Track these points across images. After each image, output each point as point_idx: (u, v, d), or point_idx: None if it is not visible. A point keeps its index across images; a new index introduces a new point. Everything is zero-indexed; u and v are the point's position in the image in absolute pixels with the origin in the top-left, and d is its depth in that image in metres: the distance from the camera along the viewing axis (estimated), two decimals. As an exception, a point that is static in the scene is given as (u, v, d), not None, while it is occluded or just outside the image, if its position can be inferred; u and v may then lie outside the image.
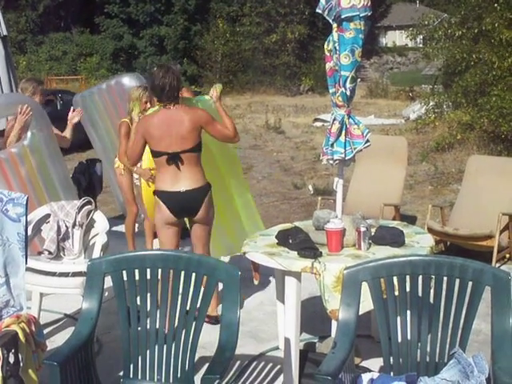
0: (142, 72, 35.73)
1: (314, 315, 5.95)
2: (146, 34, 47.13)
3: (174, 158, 5.33)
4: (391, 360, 3.74)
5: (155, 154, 5.44)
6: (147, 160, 6.18)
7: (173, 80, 5.33)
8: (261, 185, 12.85)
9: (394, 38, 58.02)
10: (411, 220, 9.22)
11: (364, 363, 5.12)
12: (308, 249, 4.76)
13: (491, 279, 3.56)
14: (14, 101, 6.93)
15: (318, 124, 20.62)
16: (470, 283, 3.61)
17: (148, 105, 6.49)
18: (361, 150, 5.20)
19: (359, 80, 39.47)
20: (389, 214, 8.13)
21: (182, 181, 5.38)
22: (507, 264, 7.97)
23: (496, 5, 13.71)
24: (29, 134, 6.68)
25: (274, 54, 40.00)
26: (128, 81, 8.45)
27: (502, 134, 13.42)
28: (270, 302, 6.27)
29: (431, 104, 16.74)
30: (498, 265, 7.72)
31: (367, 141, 5.13)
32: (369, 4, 4.99)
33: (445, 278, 3.66)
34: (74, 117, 7.21)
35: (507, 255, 8.03)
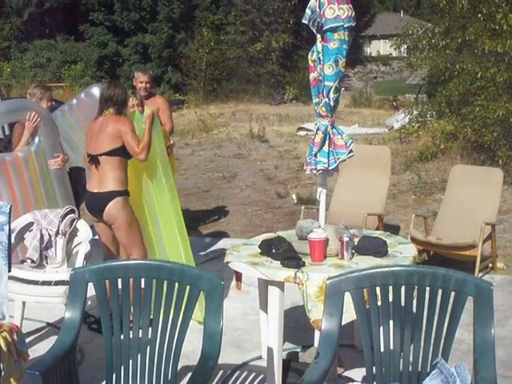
0: (126, 80, 35.78)
1: (297, 325, 5.95)
2: (130, 42, 46.98)
3: (93, 160, 5.93)
4: (374, 370, 3.74)
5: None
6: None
7: (112, 93, 5.93)
8: (244, 194, 12.84)
9: (379, 48, 58.31)
10: (394, 229, 9.24)
11: (347, 373, 5.13)
12: (291, 258, 4.76)
13: (474, 289, 3.57)
14: (21, 107, 6.92)
15: (302, 133, 20.60)
16: (453, 293, 3.61)
17: (136, 108, 6.46)
18: (344, 160, 5.21)
19: (343, 89, 39.61)
20: (372, 223, 8.15)
21: (95, 182, 5.93)
22: (490, 273, 8.00)
23: (480, 15, 13.79)
24: (36, 139, 6.70)
25: (259, 63, 39.96)
26: (97, 91, 8.34)
27: (485, 144, 13.46)
28: (254, 311, 6.28)
29: (415, 113, 16.77)
30: (480, 274, 7.75)
31: (350, 151, 5.14)
32: (353, 15, 5.01)
33: (427, 288, 3.67)
34: (52, 164, 6.93)
35: (490, 265, 8.06)
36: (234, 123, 24.07)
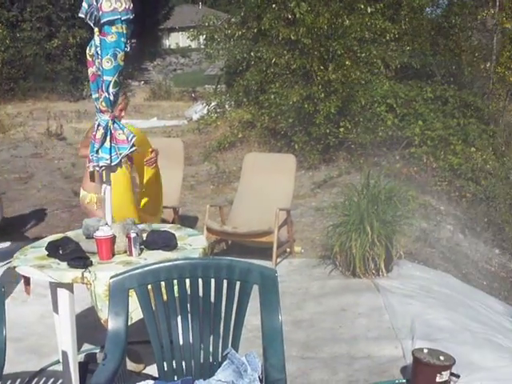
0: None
1: (95, 325, 5.79)
2: None
3: None
4: (165, 366, 3.67)
5: None
6: None
7: None
8: (41, 194, 12.43)
9: (178, 40, 58.43)
10: (192, 221, 9.25)
11: (147, 370, 5.07)
12: (78, 259, 4.61)
13: (259, 277, 3.57)
14: None
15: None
16: (238, 283, 3.60)
17: (123, 113, 6.11)
18: (127, 155, 5.11)
19: (142, 82, 39.37)
20: (168, 216, 8.07)
21: None
22: (288, 258, 8.16)
23: (274, 5, 14.06)
24: None
25: (56, 60, 39.03)
26: None
27: (282, 131, 13.79)
28: (51, 314, 6.06)
29: (213, 104, 16.91)
30: (279, 259, 7.89)
31: (133, 145, 5.04)
32: (131, 7, 4.89)
33: (212, 280, 3.64)
34: None
35: (288, 249, 8.22)
36: (31, 122, 23.32)
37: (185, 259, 4.10)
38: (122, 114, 6.16)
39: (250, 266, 3.66)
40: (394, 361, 5.34)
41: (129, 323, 3.66)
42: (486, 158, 12.67)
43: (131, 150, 5.05)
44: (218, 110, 16.89)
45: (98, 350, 5.52)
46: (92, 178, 5.22)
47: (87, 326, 5.30)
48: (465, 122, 13.37)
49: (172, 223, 7.44)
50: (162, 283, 3.64)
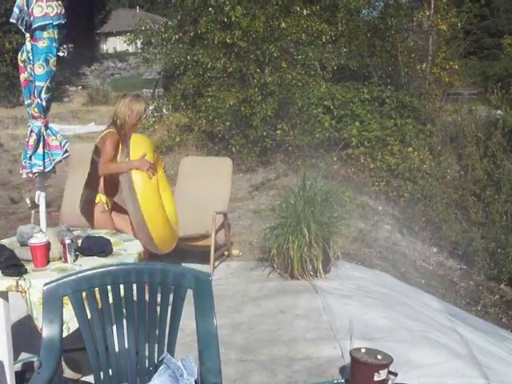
0: None
1: (31, 333, 5.71)
2: None
3: None
4: (101, 373, 3.65)
5: None
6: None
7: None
8: (-24, 202, 12.27)
9: (115, 44, 58.02)
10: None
11: (86, 377, 5.02)
12: (12, 266, 4.55)
13: (193, 282, 3.56)
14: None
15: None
16: (173, 287, 3.59)
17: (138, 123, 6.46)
18: (60, 161, 5.07)
19: (80, 88, 39.03)
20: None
21: None
22: (226, 261, 8.17)
23: (210, 9, 14.06)
24: None
25: (-8, 65, 38.62)
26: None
27: (219, 134, 13.81)
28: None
29: (151, 108, 16.84)
30: (217, 263, 7.89)
31: (66, 151, 5.01)
32: (62, 12, 4.87)
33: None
34: None
35: (226, 252, 8.22)
36: (-32, 128, 23.04)
37: (118, 265, 4.06)
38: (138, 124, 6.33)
39: (184, 270, 3.67)
40: (332, 361, 5.38)
41: (66, 333, 3.64)
42: (423, 157, 12.87)
43: (65, 155, 5.02)
44: (156, 114, 16.83)
45: (35, 359, 5.44)
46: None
47: (24, 334, 5.23)
48: (402, 122, 13.55)
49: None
50: (97, 289, 3.62)
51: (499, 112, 14.13)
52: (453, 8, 16.24)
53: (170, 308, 3.58)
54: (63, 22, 4.89)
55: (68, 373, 4.96)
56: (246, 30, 13.28)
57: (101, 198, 6.31)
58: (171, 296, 3.59)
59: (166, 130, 15.86)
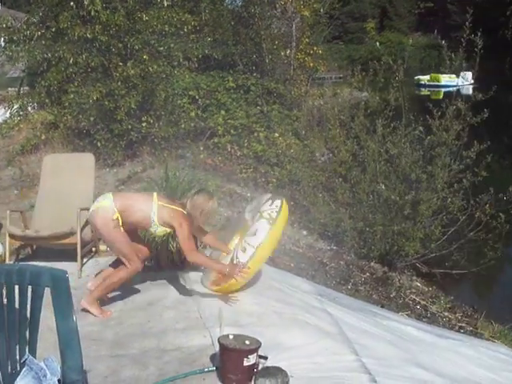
0: None
1: None
2: None
3: None
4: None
5: None
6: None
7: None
8: None
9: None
10: (-4, 228, 8.97)
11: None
12: None
13: (50, 280, 3.53)
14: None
15: None
16: (30, 287, 3.55)
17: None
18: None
19: None
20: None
21: None
22: (95, 257, 8.07)
23: (72, 3, 13.80)
24: None
25: None
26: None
27: (84, 129, 13.63)
28: None
29: (16, 107, 16.40)
30: (85, 259, 7.80)
31: None
32: None
33: (4, 286, 3.57)
34: None
35: (93, 248, 8.13)
36: None
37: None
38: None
39: (41, 269, 3.64)
40: (203, 350, 5.41)
41: None
42: (289, 142, 13.04)
43: None
44: (21, 113, 16.40)
45: None
46: None
47: None
48: (268, 108, 13.71)
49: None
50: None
51: (365, 94, 14.40)
52: (315, -7, 16.56)
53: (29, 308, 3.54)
54: None
55: None
56: (106, 23, 13.11)
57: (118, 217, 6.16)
58: (29, 296, 3.55)
59: (32, 129, 15.49)
